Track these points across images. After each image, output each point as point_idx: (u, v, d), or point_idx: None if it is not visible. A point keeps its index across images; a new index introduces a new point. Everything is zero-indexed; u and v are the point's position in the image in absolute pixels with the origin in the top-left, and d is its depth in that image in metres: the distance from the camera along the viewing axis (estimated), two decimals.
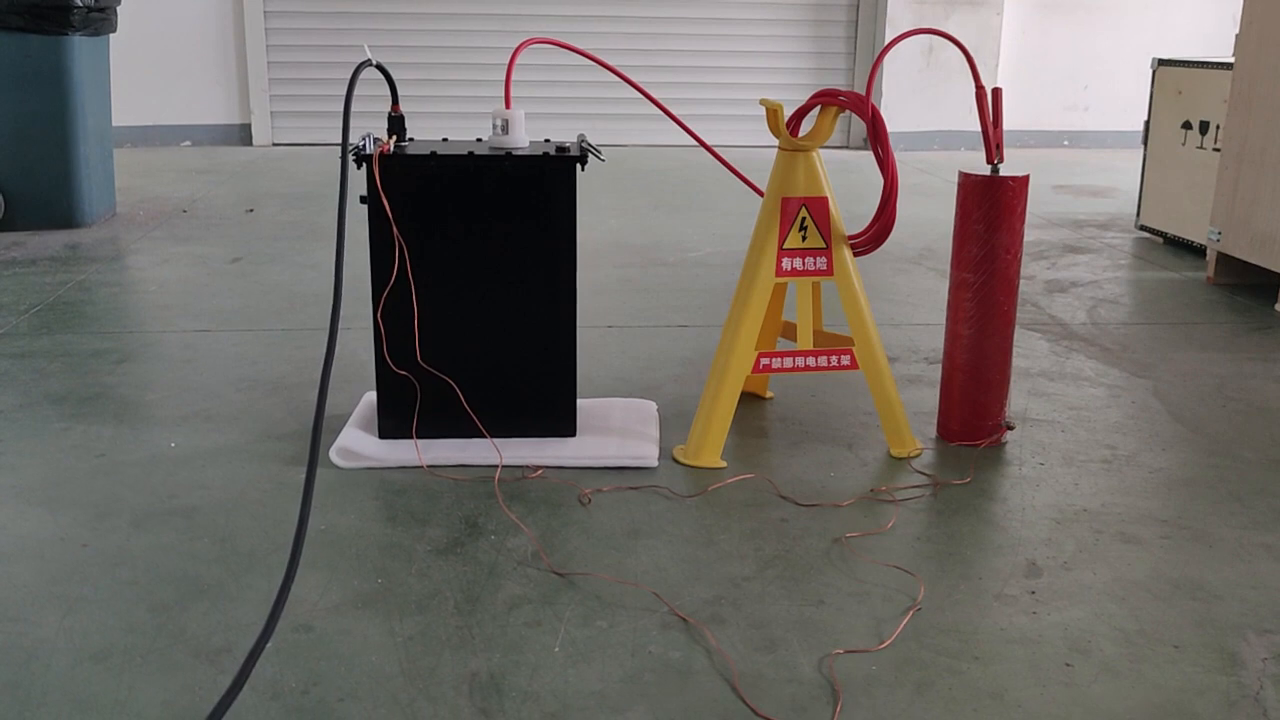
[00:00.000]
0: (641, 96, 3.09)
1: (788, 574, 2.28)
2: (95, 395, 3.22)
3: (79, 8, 5.14)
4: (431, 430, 2.83)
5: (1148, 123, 5.58)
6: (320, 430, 2.11)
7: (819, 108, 2.84)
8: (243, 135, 8.41)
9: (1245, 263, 4.56)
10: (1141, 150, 5.65)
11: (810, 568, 2.31)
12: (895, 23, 8.55)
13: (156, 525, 2.45)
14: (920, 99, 8.69)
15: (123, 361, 3.52)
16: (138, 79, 7.79)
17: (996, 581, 2.27)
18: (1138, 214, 5.67)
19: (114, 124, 5.83)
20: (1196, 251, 5.15)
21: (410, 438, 2.81)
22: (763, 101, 2.79)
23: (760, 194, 2.93)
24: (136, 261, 4.87)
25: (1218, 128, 4.99)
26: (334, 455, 2.78)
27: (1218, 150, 4.88)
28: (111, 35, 5.56)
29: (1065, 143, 9.22)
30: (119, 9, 5.54)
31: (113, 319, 4.00)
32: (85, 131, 5.35)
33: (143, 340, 3.78)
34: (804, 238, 2.81)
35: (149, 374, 3.44)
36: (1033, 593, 2.23)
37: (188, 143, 8.33)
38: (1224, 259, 4.69)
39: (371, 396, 3.03)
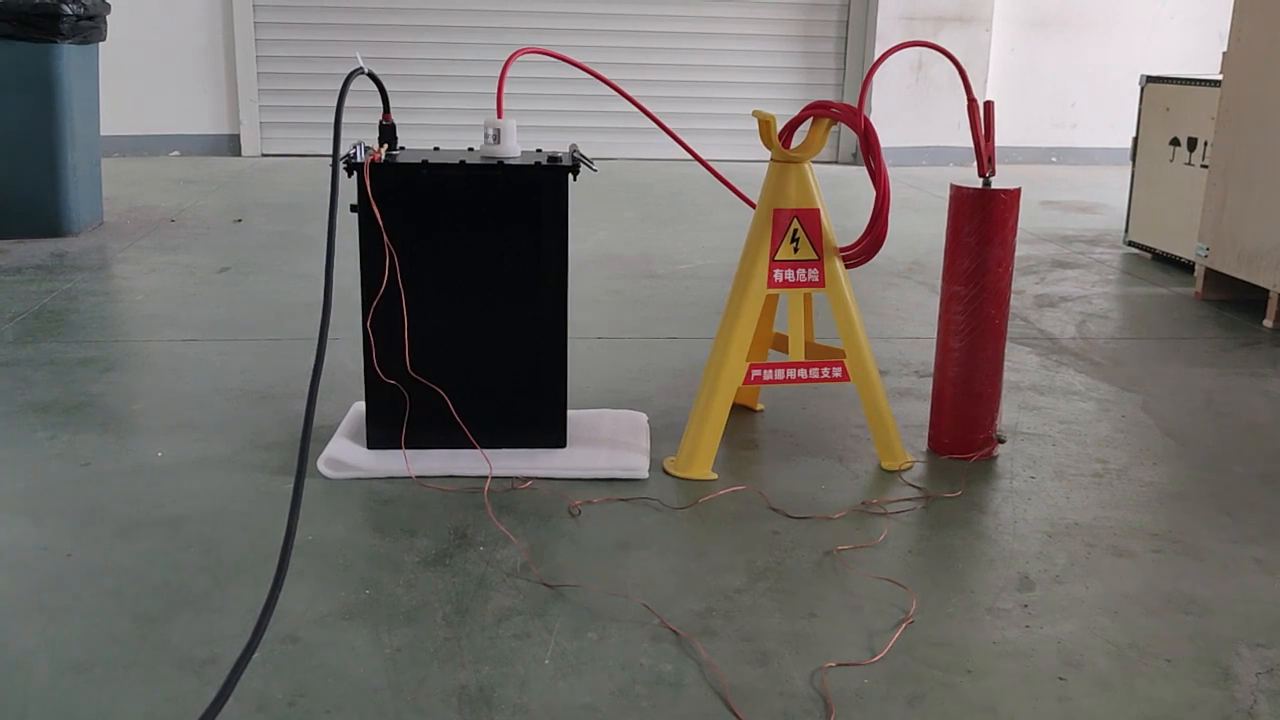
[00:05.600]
0: (630, 109, 3.09)
1: (779, 586, 2.27)
2: (80, 404, 3.19)
3: (68, 16, 5.11)
4: (420, 441, 2.80)
5: (1136, 139, 5.60)
6: (309, 439, 2.09)
7: (811, 119, 2.84)
8: (231, 146, 8.38)
9: (1233, 278, 4.57)
10: (1130, 167, 5.68)
11: (802, 580, 2.30)
12: (885, 38, 8.58)
13: (141, 535, 2.42)
14: (909, 114, 8.71)
15: (108, 370, 3.49)
16: (126, 88, 7.76)
17: (988, 595, 2.26)
18: (1126, 230, 5.69)
19: (102, 133, 5.80)
20: (1184, 267, 5.16)
21: (399, 448, 2.79)
22: (755, 113, 2.78)
23: (752, 206, 2.92)
24: (123, 270, 4.84)
25: (1206, 144, 5.01)
26: (322, 465, 2.76)
27: (1205, 167, 4.90)
28: (101, 44, 5.54)
29: (1054, 159, 9.26)
30: (109, 18, 5.52)
31: (99, 328, 3.97)
32: (73, 140, 5.32)
33: (129, 349, 3.75)
34: (795, 249, 2.80)
35: (135, 383, 3.41)
36: (1025, 606, 2.22)
37: (176, 152, 8.30)
38: (1212, 275, 4.70)
39: (360, 406, 3.00)
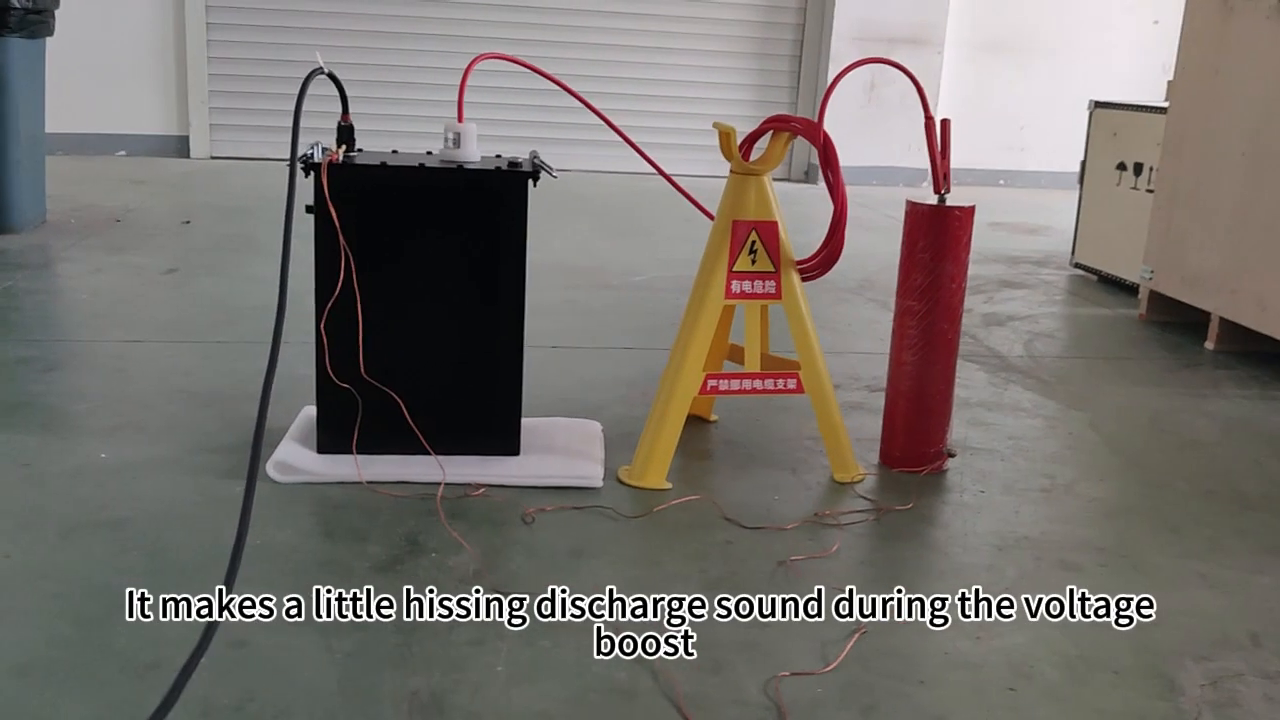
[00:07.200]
0: (590, 121, 3.09)
1: (733, 596, 2.26)
2: (21, 404, 3.12)
3: (15, 9, 5.02)
4: (372, 446, 2.77)
5: (1084, 163, 5.70)
6: (260, 442, 2.06)
7: (771, 133, 2.85)
8: (180, 147, 8.26)
9: (1176, 301, 4.67)
10: (1077, 190, 5.78)
11: (755, 590, 2.30)
12: (839, 58, 8.67)
13: (84, 537, 2.37)
14: (861, 134, 8.80)
15: (50, 370, 3.42)
16: (73, 85, 7.62)
17: (940, 606, 2.27)
18: (1073, 252, 5.78)
19: (47, 130, 5.69)
20: (1129, 289, 5.26)
21: (350, 453, 2.75)
22: (716, 125, 2.80)
23: (710, 217, 2.93)
24: (67, 269, 4.75)
25: (1151, 169, 5.12)
26: (271, 469, 2.72)
27: (1151, 191, 5.00)
28: (48, 39, 5.43)
29: (1002, 182, 9.40)
30: (57, 12, 5.42)
31: (40, 327, 3.89)
32: (17, 136, 5.21)
33: (72, 349, 3.67)
34: (753, 261, 2.81)
35: (78, 383, 3.34)
36: (976, 618, 2.23)
37: (123, 152, 8.17)
38: (1156, 297, 4.79)
39: (310, 410, 2.96)
